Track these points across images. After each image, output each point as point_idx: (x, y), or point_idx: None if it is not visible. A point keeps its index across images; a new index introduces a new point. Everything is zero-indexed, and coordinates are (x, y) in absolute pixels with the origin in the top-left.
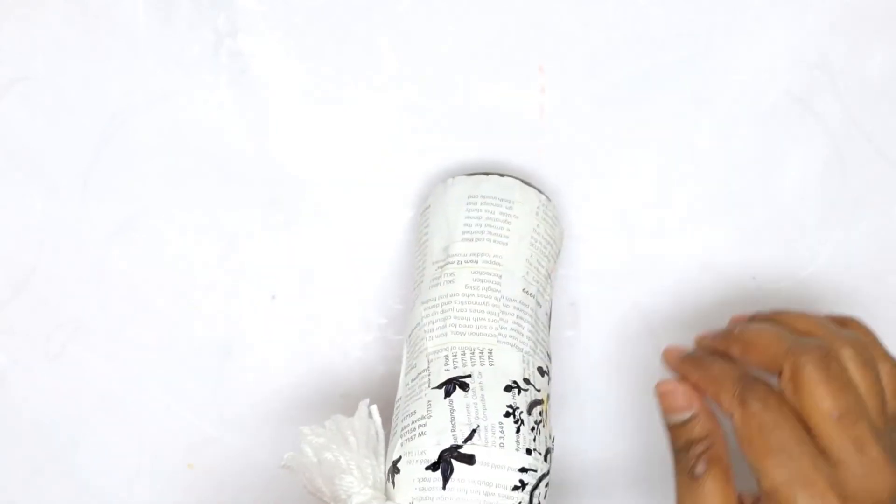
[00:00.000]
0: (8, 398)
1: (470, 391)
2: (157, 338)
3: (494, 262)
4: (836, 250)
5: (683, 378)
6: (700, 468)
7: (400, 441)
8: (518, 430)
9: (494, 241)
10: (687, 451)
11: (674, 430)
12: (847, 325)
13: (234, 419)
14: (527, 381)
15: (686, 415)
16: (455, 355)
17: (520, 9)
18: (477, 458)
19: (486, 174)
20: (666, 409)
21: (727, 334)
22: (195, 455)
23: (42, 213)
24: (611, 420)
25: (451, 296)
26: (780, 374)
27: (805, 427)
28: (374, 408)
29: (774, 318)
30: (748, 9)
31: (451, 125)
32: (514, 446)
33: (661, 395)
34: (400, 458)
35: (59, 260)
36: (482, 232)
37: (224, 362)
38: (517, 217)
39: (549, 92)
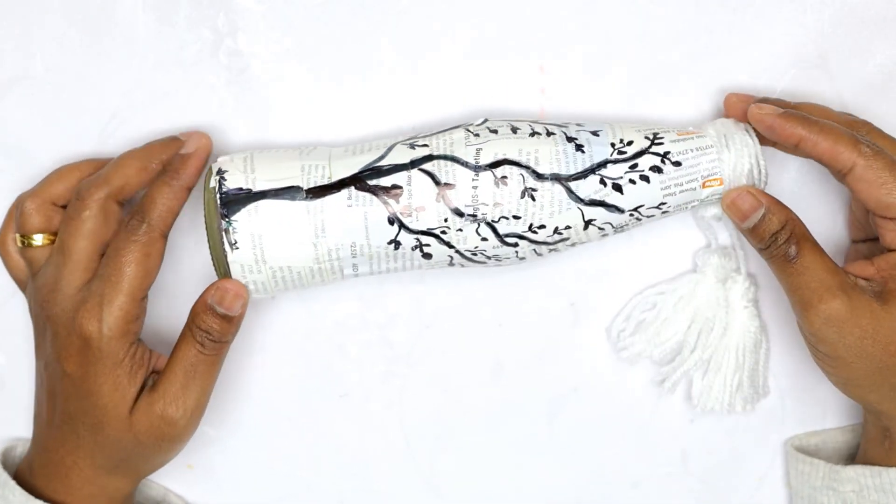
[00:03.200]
0: (8, 398)
1: None
2: (157, 337)
3: None
4: (836, 250)
5: (787, 132)
6: (792, 250)
7: None
8: None
9: None
10: (773, 243)
11: (754, 232)
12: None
13: (233, 419)
14: None
15: (759, 213)
16: None
17: (520, 9)
18: None
19: None
20: (740, 217)
21: (795, 108)
22: (195, 455)
23: None
24: (611, 420)
25: None
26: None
27: None
28: None
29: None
30: (748, 8)
31: (451, 125)
32: None
33: (730, 206)
34: None
35: None
36: None
37: (224, 361)
38: None
39: (549, 92)
